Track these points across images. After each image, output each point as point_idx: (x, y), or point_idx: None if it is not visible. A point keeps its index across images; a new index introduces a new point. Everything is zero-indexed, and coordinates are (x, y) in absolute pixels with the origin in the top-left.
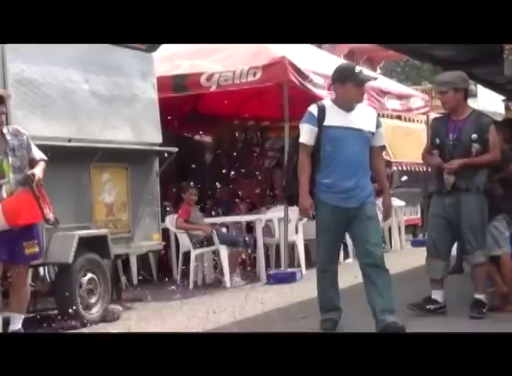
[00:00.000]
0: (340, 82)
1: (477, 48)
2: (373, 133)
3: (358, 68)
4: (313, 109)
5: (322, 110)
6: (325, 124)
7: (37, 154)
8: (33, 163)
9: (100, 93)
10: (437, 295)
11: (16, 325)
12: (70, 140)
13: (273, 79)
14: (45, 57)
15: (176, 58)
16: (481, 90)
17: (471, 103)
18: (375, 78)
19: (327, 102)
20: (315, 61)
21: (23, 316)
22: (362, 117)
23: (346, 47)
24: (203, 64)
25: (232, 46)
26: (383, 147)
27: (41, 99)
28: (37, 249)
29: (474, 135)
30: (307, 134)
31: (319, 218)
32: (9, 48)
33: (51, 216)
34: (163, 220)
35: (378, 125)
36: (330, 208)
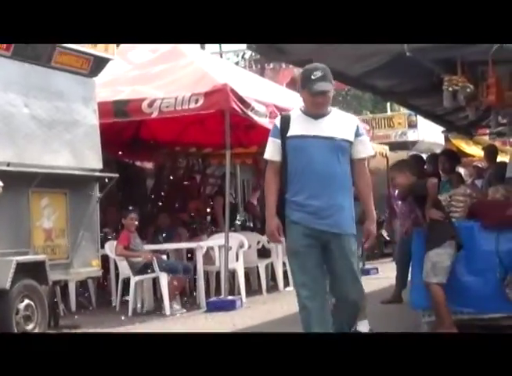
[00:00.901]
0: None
1: (417, 79)
2: (350, 142)
3: (315, 74)
4: (277, 120)
5: (286, 120)
6: (288, 134)
7: None
8: None
9: (40, 117)
10: (361, 326)
11: None
12: (8, 164)
13: (215, 106)
14: None
15: (118, 83)
16: (420, 121)
17: (411, 133)
18: (326, 91)
19: (295, 110)
20: (257, 89)
21: None
22: (335, 124)
23: (289, 75)
24: (145, 90)
25: (174, 72)
26: (365, 159)
27: None
28: None
29: None
30: (270, 148)
31: (289, 241)
32: None
33: None
34: (102, 246)
35: (358, 134)
36: (302, 229)
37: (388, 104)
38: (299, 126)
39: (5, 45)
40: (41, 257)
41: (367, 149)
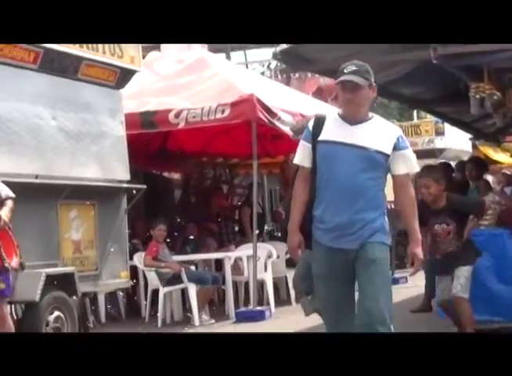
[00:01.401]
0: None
1: (443, 86)
2: (386, 155)
3: (349, 68)
4: (310, 122)
5: (319, 122)
6: (319, 138)
7: (3, 192)
8: None
9: (68, 129)
10: None
11: None
12: (36, 177)
13: (242, 116)
14: (12, 93)
15: (144, 95)
16: (448, 128)
17: (439, 141)
18: (354, 83)
19: (332, 113)
20: (284, 98)
21: None
22: (372, 133)
23: (315, 84)
24: (172, 101)
25: (200, 83)
26: (407, 175)
27: (7, 135)
28: (2, 285)
29: None
30: (299, 152)
31: (313, 263)
32: None
33: (14, 262)
34: (131, 258)
35: (399, 147)
36: (323, 248)
37: (415, 112)
38: (332, 131)
39: (32, 58)
40: (70, 269)
41: (409, 164)
